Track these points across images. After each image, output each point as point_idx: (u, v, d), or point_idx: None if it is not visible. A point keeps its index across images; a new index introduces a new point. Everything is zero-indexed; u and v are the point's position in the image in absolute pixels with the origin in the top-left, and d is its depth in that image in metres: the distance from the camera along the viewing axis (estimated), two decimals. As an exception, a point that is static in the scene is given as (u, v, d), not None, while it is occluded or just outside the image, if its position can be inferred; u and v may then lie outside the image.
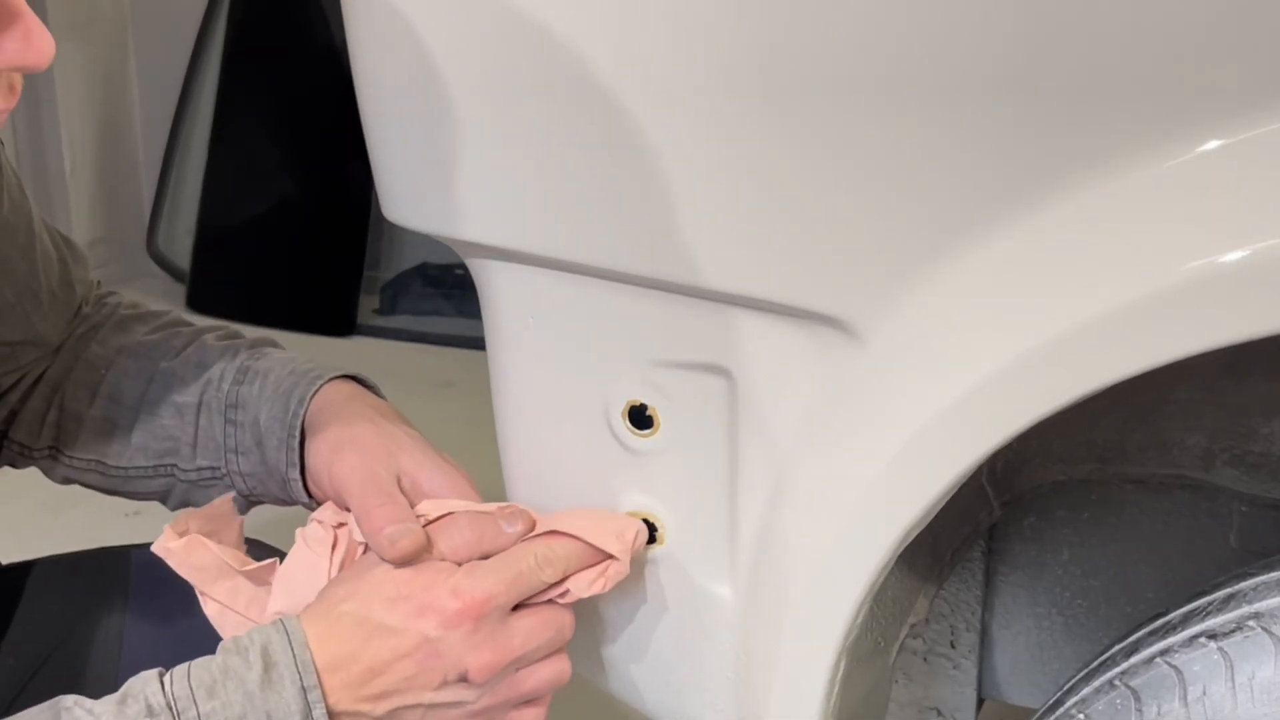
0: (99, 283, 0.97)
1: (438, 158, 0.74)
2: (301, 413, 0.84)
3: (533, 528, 0.75)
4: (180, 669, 0.67)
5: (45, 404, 0.90)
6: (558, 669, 0.75)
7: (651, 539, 0.78)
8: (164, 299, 3.38)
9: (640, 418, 0.76)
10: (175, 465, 0.88)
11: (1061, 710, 0.69)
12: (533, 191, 0.72)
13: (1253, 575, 0.65)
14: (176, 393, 0.88)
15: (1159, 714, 0.62)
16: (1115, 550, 0.90)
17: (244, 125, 3.33)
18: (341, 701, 0.68)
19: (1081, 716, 0.67)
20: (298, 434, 0.84)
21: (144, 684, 0.66)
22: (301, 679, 0.66)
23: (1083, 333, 0.58)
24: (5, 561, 0.96)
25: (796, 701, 0.73)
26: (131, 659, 0.89)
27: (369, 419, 0.83)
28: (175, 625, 0.85)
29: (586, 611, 0.82)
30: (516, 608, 0.73)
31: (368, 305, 3.31)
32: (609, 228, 0.70)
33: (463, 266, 0.82)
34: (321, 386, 0.85)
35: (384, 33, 0.74)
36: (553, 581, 0.73)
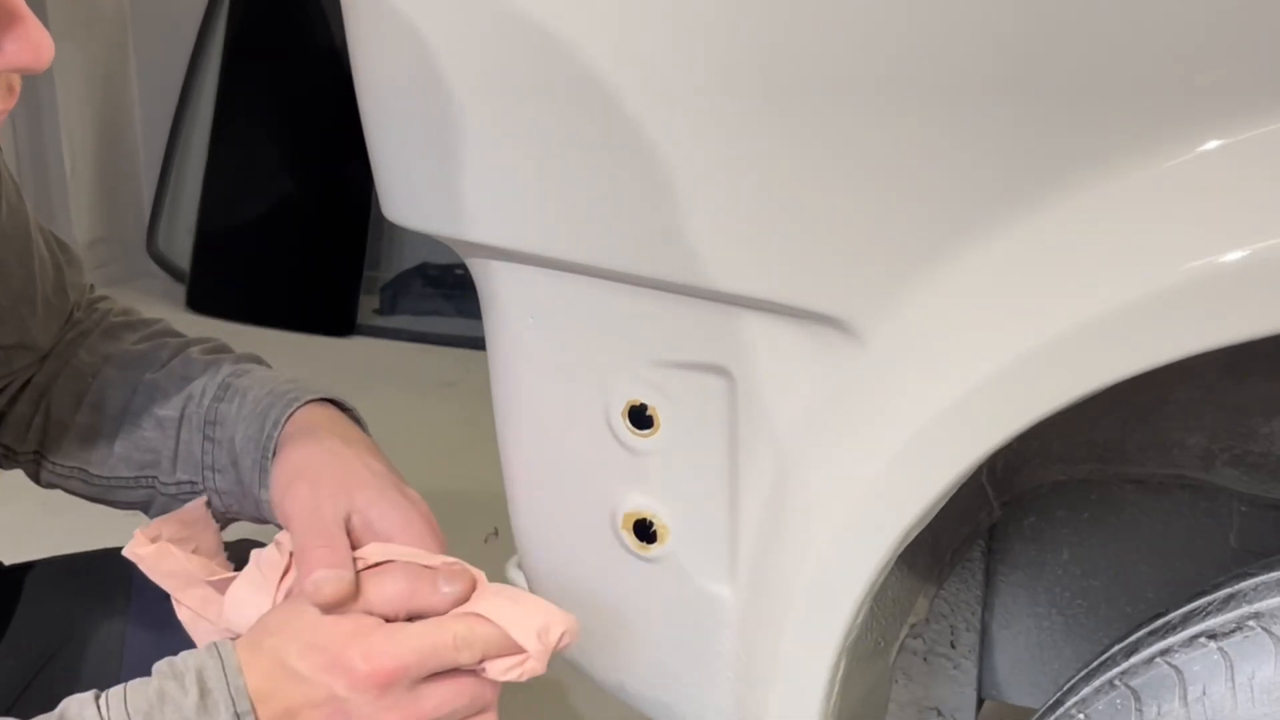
0: (92, 286, 0.97)
1: (438, 158, 0.74)
2: (275, 435, 0.83)
3: (471, 590, 0.74)
4: (116, 691, 0.67)
5: (32, 409, 0.90)
6: None
7: (652, 539, 0.78)
8: (164, 299, 3.38)
9: (640, 418, 0.76)
10: (156, 478, 0.88)
11: (1061, 710, 0.69)
12: (533, 191, 0.72)
13: (1253, 575, 0.65)
14: (159, 405, 0.88)
15: (1159, 714, 0.62)
16: (1115, 550, 0.90)
17: (244, 125, 3.33)
18: None
19: (1081, 716, 0.67)
20: (270, 456, 0.83)
21: (80, 706, 0.66)
22: (235, 705, 0.67)
23: (1083, 333, 0.58)
24: (6, 562, 0.96)
25: (796, 701, 0.73)
26: (133, 660, 0.89)
27: (332, 451, 0.81)
28: (177, 627, 0.85)
29: (587, 610, 0.82)
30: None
31: (368, 305, 3.30)
32: (609, 228, 0.70)
33: (463, 266, 0.82)
34: (297, 409, 0.84)
35: (384, 33, 0.74)
36: (468, 664, 0.71)
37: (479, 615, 0.72)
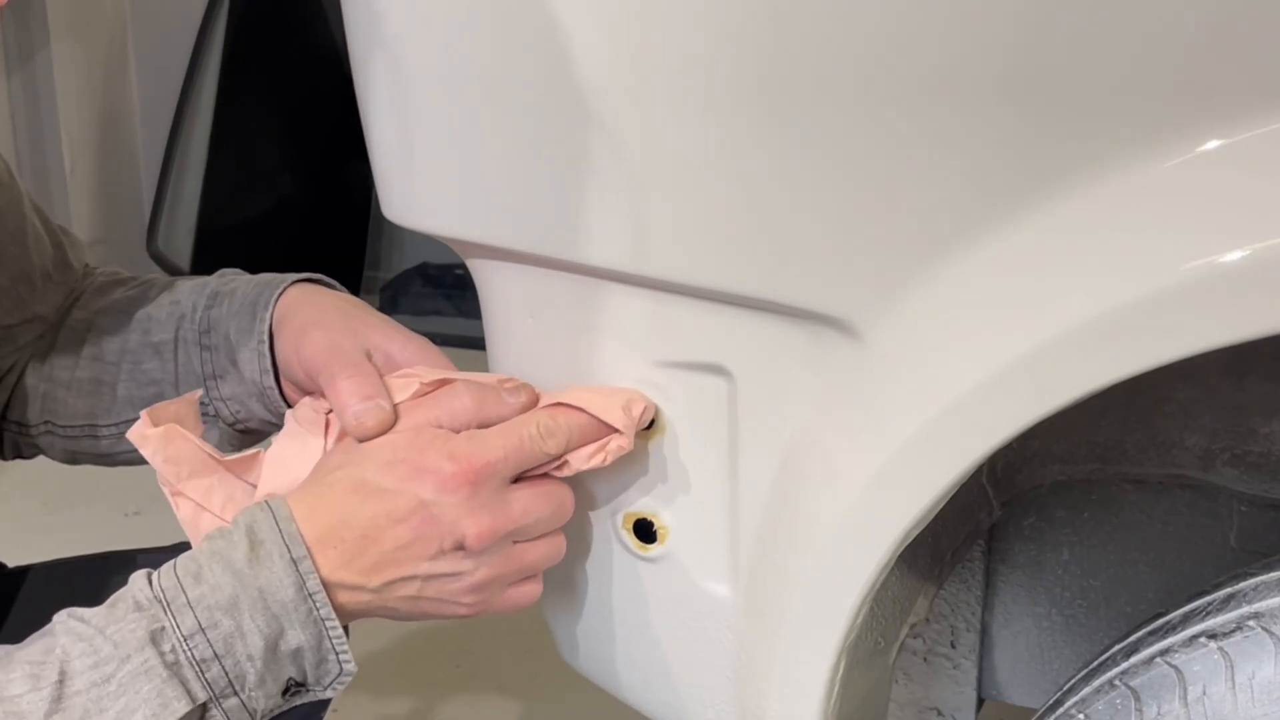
0: (88, 265, 0.98)
1: (437, 158, 0.74)
2: (268, 317, 0.83)
3: (535, 402, 0.73)
4: (167, 565, 0.66)
5: (36, 379, 0.91)
6: (554, 545, 0.73)
7: (652, 539, 0.78)
8: (164, 299, 3.38)
9: (640, 418, 0.76)
10: None
11: (1061, 710, 0.69)
12: (533, 191, 0.72)
13: (1253, 575, 0.65)
14: (154, 334, 0.88)
15: (1159, 714, 0.62)
16: (1115, 550, 0.90)
17: (244, 125, 3.33)
18: (335, 573, 0.66)
19: (1081, 716, 0.67)
20: (267, 340, 0.83)
21: (131, 585, 0.65)
22: (290, 551, 0.65)
23: (1083, 333, 0.58)
24: (6, 562, 0.96)
25: (796, 701, 0.73)
26: None
27: (334, 306, 0.82)
28: None
29: (587, 610, 0.82)
30: (518, 480, 0.71)
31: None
32: (609, 228, 0.70)
33: (463, 266, 0.82)
34: (285, 289, 0.85)
35: (383, 33, 0.74)
36: (555, 453, 0.70)
37: (560, 404, 0.71)
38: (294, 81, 3.27)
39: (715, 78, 0.64)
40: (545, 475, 0.72)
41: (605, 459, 0.71)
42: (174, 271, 3.47)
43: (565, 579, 0.83)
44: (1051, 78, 0.58)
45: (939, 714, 0.99)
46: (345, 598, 0.67)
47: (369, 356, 0.76)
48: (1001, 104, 0.59)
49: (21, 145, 3.37)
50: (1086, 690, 0.68)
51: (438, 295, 3.30)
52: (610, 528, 0.79)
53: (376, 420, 0.70)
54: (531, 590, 0.74)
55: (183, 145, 3.52)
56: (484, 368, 0.85)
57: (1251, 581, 0.65)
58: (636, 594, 0.80)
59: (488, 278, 0.79)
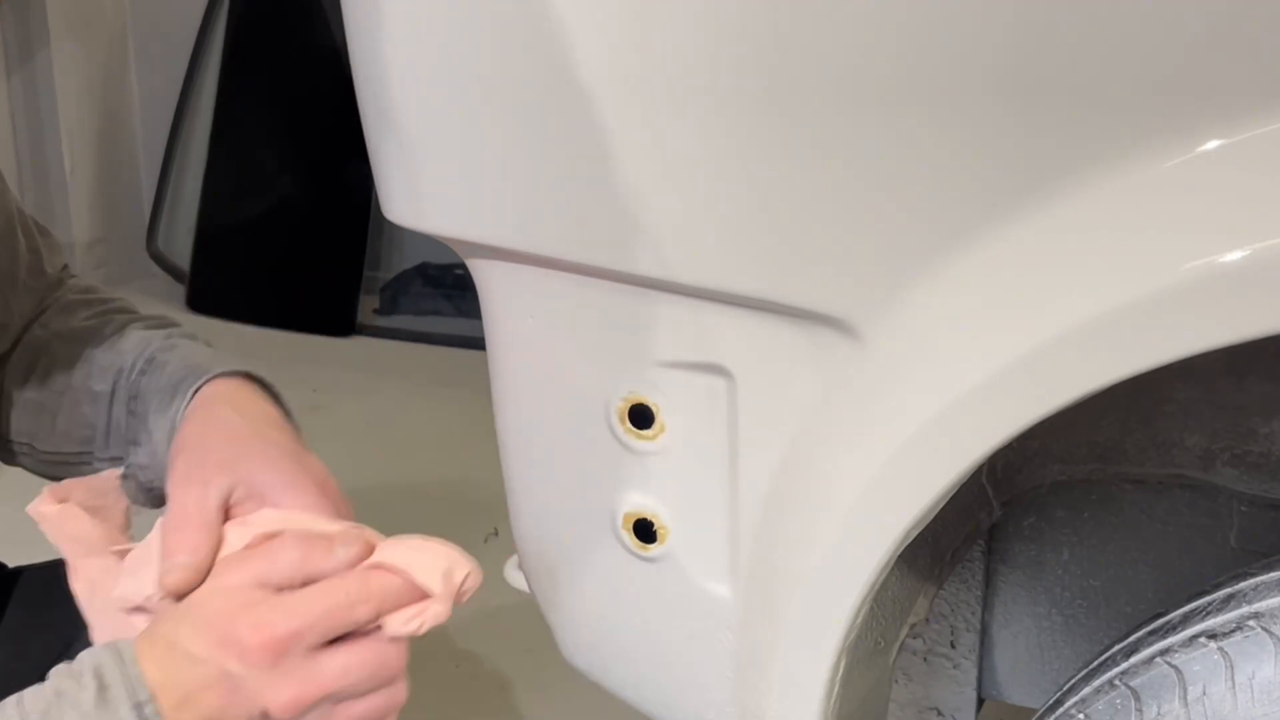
0: (66, 266, 0.98)
1: (437, 158, 0.74)
2: (182, 408, 0.82)
3: (366, 555, 0.71)
4: (12, 699, 0.65)
5: None
6: (386, 701, 0.70)
7: (652, 539, 0.78)
8: (164, 299, 3.38)
9: (640, 417, 0.76)
10: (92, 454, 0.88)
11: (1061, 710, 0.69)
12: (533, 191, 0.72)
13: (1253, 575, 0.65)
14: (94, 381, 0.88)
15: (1159, 714, 0.62)
16: (1115, 550, 0.90)
17: (244, 125, 3.33)
18: None
19: (1081, 716, 0.67)
20: (179, 425, 0.81)
21: None
22: (134, 695, 0.65)
23: (1083, 333, 0.58)
24: (9, 564, 0.96)
25: (796, 701, 0.73)
26: None
27: (223, 422, 0.79)
28: None
29: (587, 610, 0.82)
30: (338, 640, 0.69)
31: (368, 305, 3.30)
32: (609, 228, 0.70)
33: (463, 266, 0.82)
34: (205, 383, 0.83)
35: (383, 33, 0.74)
36: (365, 620, 0.68)
37: (378, 567, 0.69)
38: (294, 81, 3.27)
39: (716, 78, 0.64)
40: (367, 634, 0.70)
41: (421, 627, 0.69)
42: (174, 271, 3.48)
43: (566, 579, 0.83)
44: (1051, 78, 0.58)
45: (939, 714, 0.99)
46: None
47: (228, 494, 0.75)
48: (1001, 104, 0.59)
49: (21, 145, 3.37)
50: (1086, 690, 0.68)
51: (438, 295, 3.30)
52: (610, 528, 0.79)
53: (178, 579, 0.70)
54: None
55: (183, 145, 3.52)
56: (484, 368, 0.85)
57: (1251, 581, 0.65)
58: (636, 594, 0.80)
59: (488, 278, 0.79)
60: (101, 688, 0.65)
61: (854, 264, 0.65)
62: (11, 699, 0.65)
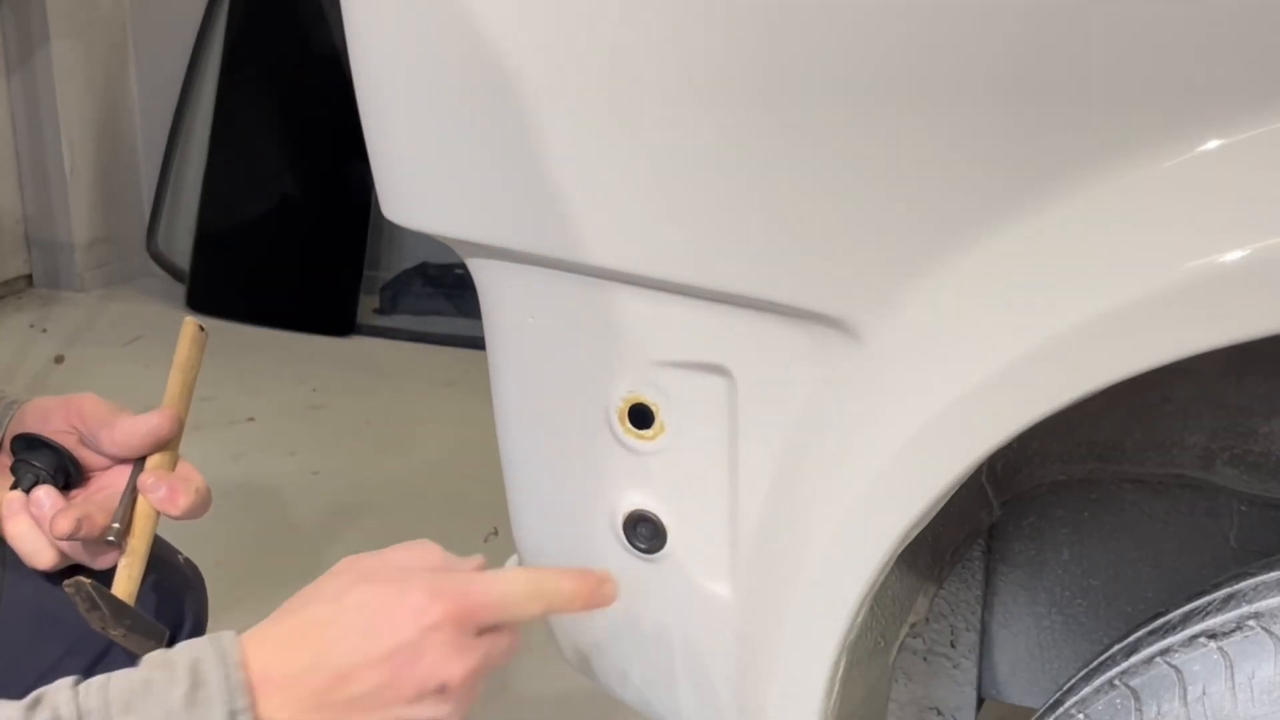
0: None
1: (437, 158, 0.74)
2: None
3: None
4: (99, 679, 0.61)
5: None
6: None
7: (651, 539, 0.78)
8: (164, 299, 3.38)
9: (640, 417, 0.76)
10: None
11: (1061, 710, 0.69)
12: (533, 192, 0.72)
13: (1253, 575, 0.65)
14: None
15: (1159, 714, 0.62)
16: (1115, 550, 0.90)
17: (244, 125, 3.33)
18: (296, 717, 0.63)
19: (1081, 716, 0.67)
20: None
21: (56, 692, 0.61)
22: (232, 701, 0.61)
23: (1083, 332, 0.58)
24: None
25: (796, 701, 0.73)
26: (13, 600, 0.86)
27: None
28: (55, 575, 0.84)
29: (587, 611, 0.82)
30: None
31: (368, 305, 3.30)
32: (609, 228, 0.70)
33: (463, 266, 0.82)
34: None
35: (383, 33, 0.74)
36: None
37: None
38: (294, 81, 3.27)
39: (715, 77, 0.64)
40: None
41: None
42: (174, 271, 3.48)
43: (565, 579, 0.83)
44: (1052, 77, 0.58)
45: (939, 714, 0.99)
46: None
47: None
48: (1001, 104, 0.59)
49: (21, 145, 3.37)
50: (1086, 690, 0.68)
51: (438, 295, 3.30)
52: (610, 528, 0.79)
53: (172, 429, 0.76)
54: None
55: (183, 145, 3.53)
56: (484, 368, 0.85)
57: (1251, 581, 0.65)
58: (636, 594, 0.80)
59: (488, 278, 0.79)
60: (195, 685, 0.61)
61: (853, 264, 0.65)
62: (99, 679, 0.61)
